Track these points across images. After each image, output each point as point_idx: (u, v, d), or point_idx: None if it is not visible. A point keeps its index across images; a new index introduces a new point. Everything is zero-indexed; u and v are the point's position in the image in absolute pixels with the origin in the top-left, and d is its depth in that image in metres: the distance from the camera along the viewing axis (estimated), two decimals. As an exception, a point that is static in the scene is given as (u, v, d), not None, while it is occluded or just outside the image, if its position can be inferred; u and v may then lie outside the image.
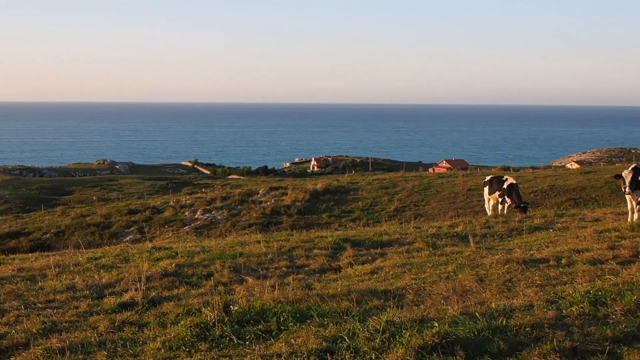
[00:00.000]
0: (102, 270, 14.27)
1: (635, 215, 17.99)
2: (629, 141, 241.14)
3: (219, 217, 47.72)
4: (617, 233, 15.99)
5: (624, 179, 17.91)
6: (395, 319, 8.29)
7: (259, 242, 17.62)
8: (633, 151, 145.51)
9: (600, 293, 9.11)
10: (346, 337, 7.88)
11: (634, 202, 18.18)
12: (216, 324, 8.74)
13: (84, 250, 17.96)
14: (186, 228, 45.54)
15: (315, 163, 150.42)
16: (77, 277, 13.57)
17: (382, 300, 10.24)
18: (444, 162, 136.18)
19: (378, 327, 7.99)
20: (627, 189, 17.70)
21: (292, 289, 10.90)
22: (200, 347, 8.21)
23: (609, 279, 10.37)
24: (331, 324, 8.52)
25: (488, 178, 26.42)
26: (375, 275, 13.24)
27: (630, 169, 18.15)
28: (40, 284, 12.80)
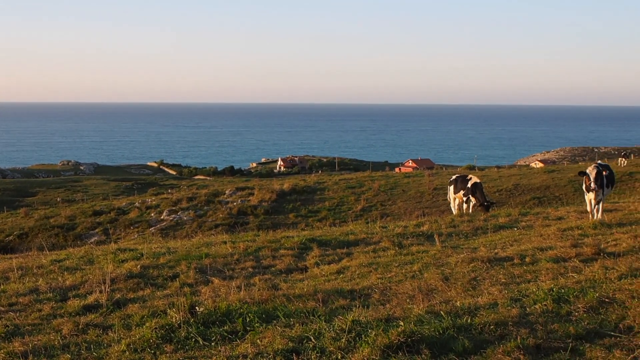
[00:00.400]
0: (66, 273, 14.09)
1: (597, 215, 18.28)
2: (591, 140, 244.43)
3: (185, 218, 47.53)
4: (580, 231, 16.19)
5: (588, 176, 18.20)
6: (361, 318, 8.29)
7: (225, 242, 17.53)
8: (596, 150, 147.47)
9: (563, 291, 9.20)
10: (312, 337, 7.87)
11: (593, 202, 18.46)
12: (182, 325, 8.68)
13: (47, 252, 17.71)
14: (152, 229, 45.29)
15: (282, 163, 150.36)
16: (41, 279, 13.39)
17: (348, 300, 10.25)
18: (410, 161, 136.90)
19: (344, 326, 7.99)
20: (592, 184, 17.96)
21: (259, 290, 10.86)
22: (165, 348, 8.15)
23: (572, 276, 10.49)
24: (297, 324, 8.50)
25: (453, 177, 26.61)
26: (342, 275, 13.25)
27: (593, 166, 18.53)
28: (2, 287, 12.60)
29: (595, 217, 18.23)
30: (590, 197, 18.64)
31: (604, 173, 18.29)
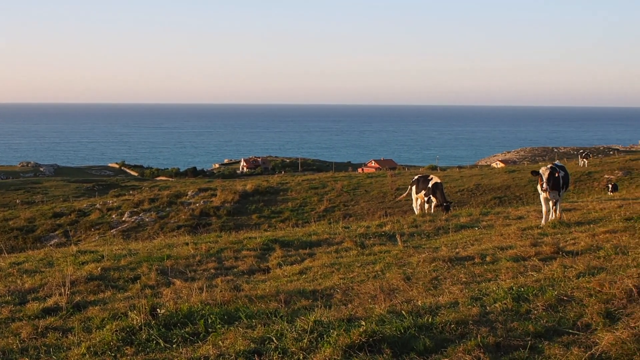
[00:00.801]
0: (25, 275, 13.90)
1: (552, 215, 18.06)
2: (551, 140, 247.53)
3: (147, 219, 47.18)
4: (539, 230, 16.40)
5: (541, 176, 17.85)
6: (323, 318, 8.30)
7: (187, 244, 17.47)
8: (555, 150, 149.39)
9: (522, 289, 9.29)
10: (274, 338, 7.86)
11: (550, 203, 18.13)
12: (143, 327, 8.61)
13: (6, 255, 17.47)
14: (113, 231, 44.88)
15: (244, 164, 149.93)
16: (-1, 282, 13.23)
17: (310, 301, 10.25)
18: (373, 162, 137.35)
19: (306, 327, 7.99)
20: (544, 185, 17.65)
21: (220, 291, 10.82)
22: (126, 351, 8.08)
23: (532, 275, 10.60)
24: (259, 325, 8.49)
25: (415, 178, 26.78)
26: (304, 276, 13.26)
27: (547, 167, 18.13)
28: (-40, 291, 12.41)
29: (552, 217, 18.00)
30: (544, 196, 18.22)
31: (556, 174, 17.90)
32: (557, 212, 18.38)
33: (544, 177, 17.68)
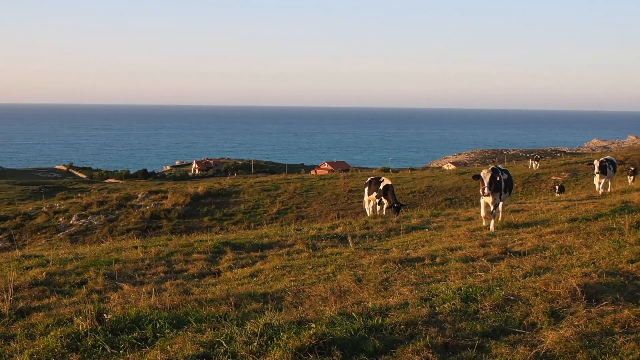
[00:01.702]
0: (-33, 281, 13.63)
1: (491, 224, 17.32)
2: (501, 143, 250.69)
3: (96, 223, 46.58)
4: (488, 231, 16.63)
5: (482, 180, 17.32)
6: (273, 321, 8.27)
7: (136, 247, 17.27)
8: (505, 152, 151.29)
9: (471, 289, 9.39)
10: (224, 342, 7.81)
11: (491, 206, 17.62)
12: (89, 333, 8.47)
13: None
14: (60, 234, 44.19)
15: (196, 166, 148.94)
16: (-59, 288, 12.91)
17: (261, 304, 10.24)
18: (326, 164, 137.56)
19: (256, 330, 7.96)
20: (485, 190, 17.15)
21: (170, 295, 10.73)
22: (71, 358, 7.93)
23: (480, 275, 10.73)
24: (209, 329, 8.43)
25: (368, 179, 26.92)
26: (255, 279, 13.24)
27: (489, 169, 17.69)
28: None
29: (492, 221, 17.38)
30: (485, 201, 17.72)
31: (498, 178, 17.41)
32: (498, 217, 17.89)
33: (485, 181, 17.17)
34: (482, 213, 17.83)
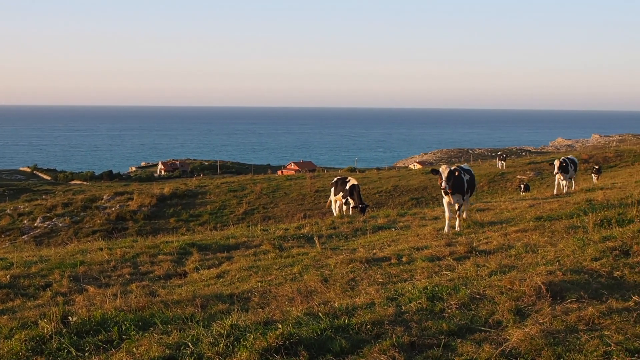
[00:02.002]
0: None
1: (456, 223, 17.09)
2: (467, 142, 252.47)
3: (61, 225, 46.07)
4: (454, 230, 16.69)
5: (440, 174, 16.84)
6: (239, 322, 8.25)
7: (101, 249, 17.15)
8: (471, 151, 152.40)
9: (437, 288, 9.42)
10: (190, 343, 7.77)
11: (456, 206, 17.28)
12: (53, 336, 8.38)
13: None
14: (25, 237, 43.63)
15: (162, 167, 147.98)
16: None
17: (227, 304, 10.20)
18: (292, 164, 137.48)
19: (222, 331, 7.92)
20: (443, 184, 16.63)
21: (135, 297, 10.65)
22: (36, 361, 7.86)
23: (446, 274, 10.79)
24: (175, 331, 8.37)
25: (334, 180, 26.97)
26: (222, 279, 13.21)
27: (447, 165, 17.29)
28: None
29: (456, 223, 17.16)
30: (447, 200, 17.25)
31: (456, 173, 16.85)
32: (463, 216, 17.67)
33: (444, 176, 16.66)
34: (447, 213, 17.21)
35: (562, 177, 27.08)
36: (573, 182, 27.87)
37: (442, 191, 17.15)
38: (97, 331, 8.58)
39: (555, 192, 26.76)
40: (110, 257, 15.82)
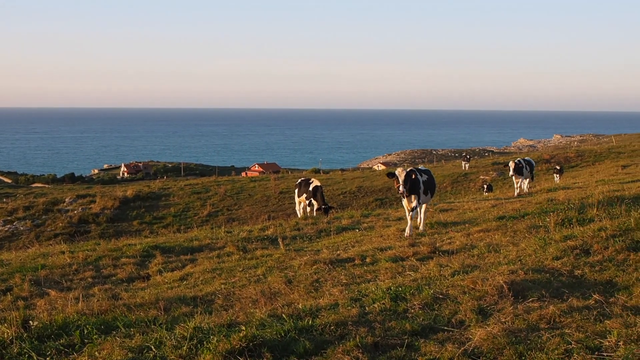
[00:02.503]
0: None
1: (420, 227, 16.89)
2: (430, 143, 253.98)
3: (22, 228, 45.46)
4: (417, 231, 16.78)
5: (397, 177, 16.29)
6: (203, 325, 8.21)
7: (63, 252, 16.97)
8: (434, 152, 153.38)
9: (400, 289, 9.47)
10: (153, 347, 7.71)
11: (413, 207, 16.65)
12: (14, 341, 8.25)
13: None
14: (-15, 241, 42.96)
15: (125, 169, 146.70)
16: None
17: (191, 307, 10.15)
18: (257, 165, 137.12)
19: (185, 334, 7.88)
20: (400, 188, 16.10)
21: (98, 300, 10.57)
22: (-4, 366, 7.75)
23: (409, 274, 10.84)
24: (138, 334, 8.30)
25: (298, 181, 26.98)
26: (185, 282, 13.15)
27: (403, 168, 16.63)
28: None
29: (419, 226, 17.00)
30: (405, 202, 16.74)
31: (414, 176, 16.35)
32: (421, 221, 17.21)
33: (400, 179, 16.14)
34: (408, 217, 16.80)
35: (517, 179, 26.82)
36: (527, 182, 27.50)
37: (397, 191, 16.51)
38: (58, 335, 8.47)
39: (517, 191, 26.71)
40: (72, 261, 15.66)
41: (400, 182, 16.14)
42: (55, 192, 68.82)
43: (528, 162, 27.47)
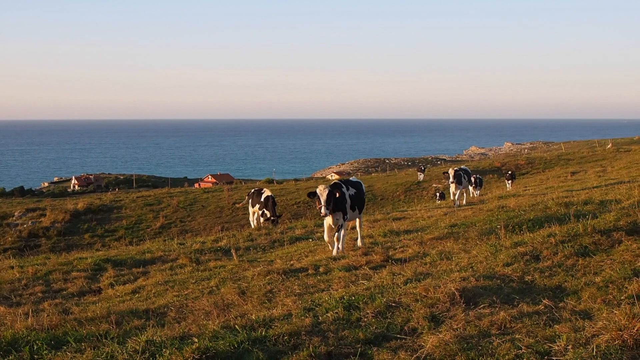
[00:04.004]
0: None
1: (334, 249, 15.13)
2: (383, 152, 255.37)
3: (-30, 243, 44.49)
4: (370, 239, 16.85)
5: (318, 197, 14.62)
6: (155, 338, 8.13)
7: (12, 267, 16.72)
8: (387, 161, 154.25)
9: (353, 298, 9.50)
10: (104, 361, 7.63)
11: (334, 228, 15.18)
12: (-40, 358, 8.12)
13: None
14: None
15: (76, 182, 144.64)
16: None
17: (143, 320, 10.06)
18: (210, 176, 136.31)
19: (137, 347, 7.80)
20: (322, 210, 14.43)
21: (48, 315, 10.40)
22: (-58, 385, 7.58)
23: (362, 283, 10.88)
24: (89, 349, 8.19)
25: (251, 191, 26.93)
26: (137, 295, 13.04)
27: (326, 185, 14.93)
28: None
29: (337, 245, 15.10)
30: (328, 222, 15.17)
31: (337, 194, 14.76)
32: (340, 242, 15.18)
33: (322, 199, 14.44)
34: (326, 237, 15.36)
35: (456, 188, 26.06)
36: (464, 193, 27.06)
37: (319, 211, 14.79)
38: (7, 352, 8.32)
39: (457, 202, 26.18)
40: (21, 276, 15.44)
41: (322, 203, 14.43)
42: (4, 206, 67.52)
43: (466, 172, 27.19)
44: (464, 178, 26.68)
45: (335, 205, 14.76)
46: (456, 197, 26.22)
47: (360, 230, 16.46)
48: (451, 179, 26.01)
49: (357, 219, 16.25)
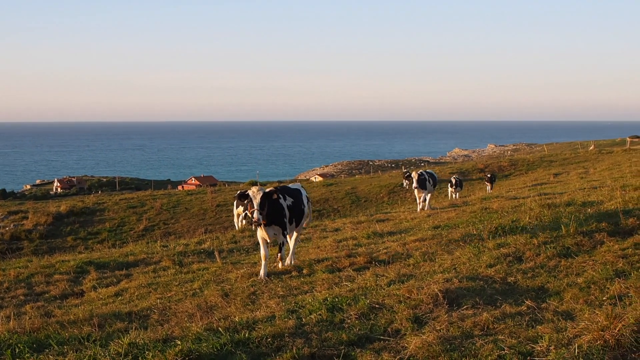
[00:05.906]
0: None
1: (286, 261, 13.92)
2: (367, 154, 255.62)
3: (-49, 247, 44.13)
4: (354, 241, 16.85)
5: (251, 201, 12.75)
6: (138, 340, 8.11)
7: (-7, 270, 16.58)
8: (371, 163, 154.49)
9: (337, 299, 9.51)
10: (87, 364, 7.60)
11: (268, 240, 13.25)
12: (-59, 362, 8.06)
13: None
14: None
15: (58, 184, 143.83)
16: None
17: (126, 323, 10.03)
18: (193, 179, 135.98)
19: (120, 350, 7.78)
20: (255, 214, 12.48)
21: (30, 318, 10.37)
22: None
23: (346, 285, 10.89)
24: (71, 352, 8.15)
25: (237, 193, 26.82)
26: (120, 297, 12.98)
27: (259, 188, 13.07)
28: None
29: (285, 259, 13.84)
30: (261, 234, 13.14)
31: (274, 196, 12.92)
32: (289, 254, 14.14)
33: (255, 202, 12.54)
34: (262, 252, 13.07)
35: (419, 193, 24.34)
36: (428, 198, 24.69)
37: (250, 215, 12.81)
38: (-12, 355, 8.29)
39: (420, 205, 24.29)
40: (3, 279, 15.34)
41: (255, 206, 12.47)
42: (-15, 209, 67.18)
43: (431, 175, 25.37)
44: (429, 182, 24.75)
45: (272, 216, 12.86)
46: (420, 200, 24.37)
47: (293, 247, 14.34)
48: (414, 184, 24.24)
49: (295, 233, 14.31)
